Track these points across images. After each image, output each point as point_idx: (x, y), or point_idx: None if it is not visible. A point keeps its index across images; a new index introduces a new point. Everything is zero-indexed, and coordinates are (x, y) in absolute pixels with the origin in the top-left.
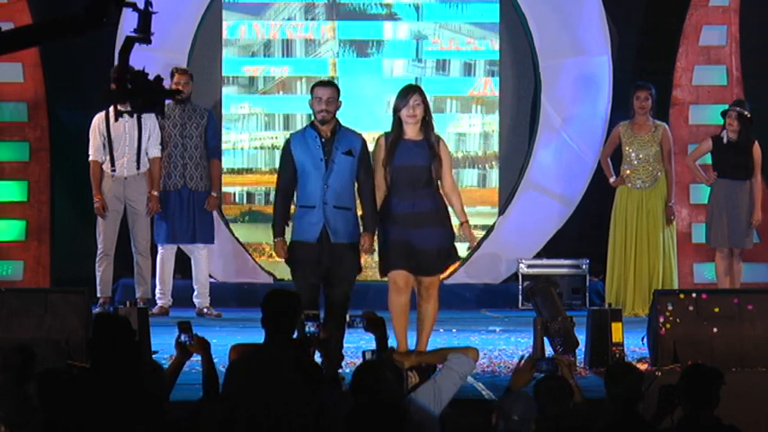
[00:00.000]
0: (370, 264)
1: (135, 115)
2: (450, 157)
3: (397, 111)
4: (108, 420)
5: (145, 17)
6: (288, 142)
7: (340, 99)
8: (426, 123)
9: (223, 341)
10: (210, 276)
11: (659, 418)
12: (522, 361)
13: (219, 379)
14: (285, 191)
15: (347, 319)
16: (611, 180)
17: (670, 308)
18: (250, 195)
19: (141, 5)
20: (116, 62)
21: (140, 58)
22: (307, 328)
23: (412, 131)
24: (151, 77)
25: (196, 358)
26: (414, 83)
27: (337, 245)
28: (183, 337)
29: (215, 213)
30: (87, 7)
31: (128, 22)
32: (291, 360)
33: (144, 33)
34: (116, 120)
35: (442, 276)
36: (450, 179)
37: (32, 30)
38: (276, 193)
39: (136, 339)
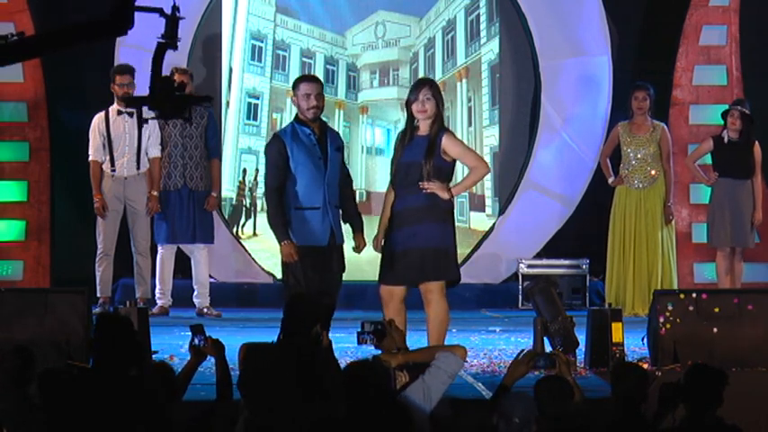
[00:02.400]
0: (366, 262)
1: (135, 115)
2: (461, 143)
3: (408, 105)
4: (108, 420)
5: (172, 23)
6: (279, 140)
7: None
8: (437, 119)
9: (223, 341)
10: (210, 276)
11: (660, 417)
12: (522, 354)
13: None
14: (279, 190)
15: (356, 336)
16: (610, 180)
17: (670, 308)
18: None
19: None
20: (151, 69)
21: (140, 59)
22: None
23: (423, 127)
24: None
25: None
26: (426, 76)
27: (339, 246)
28: (196, 340)
29: (215, 213)
30: (112, 13)
31: None
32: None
33: (172, 39)
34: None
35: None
36: (471, 163)
37: (53, 35)
38: (271, 192)
39: (137, 339)
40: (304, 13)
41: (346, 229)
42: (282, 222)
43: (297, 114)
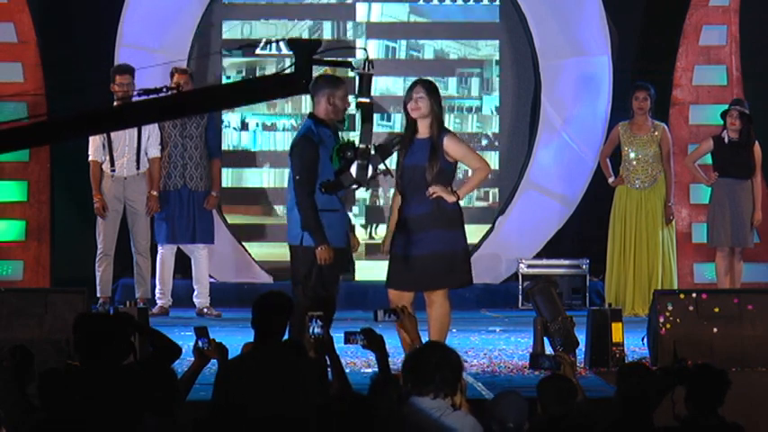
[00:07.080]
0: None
1: None
2: (463, 144)
3: (404, 107)
4: (107, 420)
5: (367, 79)
6: (313, 143)
7: None
8: (435, 119)
9: (223, 341)
10: (210, 276)
11: (656, 404)
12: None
13: None
14: (313, 193)
15: (344, 336)
16: (610, 180)
17: (670, 308)
18: None
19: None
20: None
21: (140, 59)
22: (312, 330)
23: (423, 128)
24: None
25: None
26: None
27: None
28: (200, 343)
29: (215, 213)
30: (296, 67)
31: (128, 21)
32: (290, 362)
33: (367, 94)
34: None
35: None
36: (474, 164)
37: (232, 91)
38: (307, 195)
39: (125, 332)
40: None
41: None
42: (320, 226)
43: (312, 114)
